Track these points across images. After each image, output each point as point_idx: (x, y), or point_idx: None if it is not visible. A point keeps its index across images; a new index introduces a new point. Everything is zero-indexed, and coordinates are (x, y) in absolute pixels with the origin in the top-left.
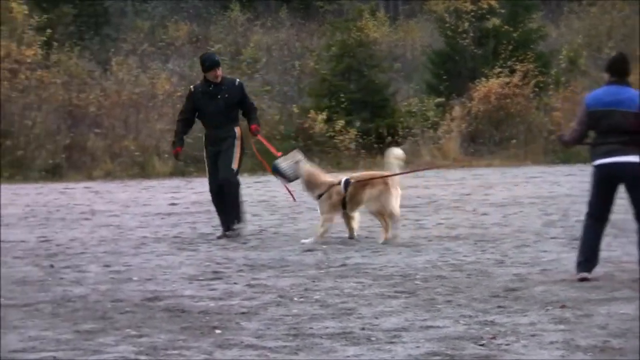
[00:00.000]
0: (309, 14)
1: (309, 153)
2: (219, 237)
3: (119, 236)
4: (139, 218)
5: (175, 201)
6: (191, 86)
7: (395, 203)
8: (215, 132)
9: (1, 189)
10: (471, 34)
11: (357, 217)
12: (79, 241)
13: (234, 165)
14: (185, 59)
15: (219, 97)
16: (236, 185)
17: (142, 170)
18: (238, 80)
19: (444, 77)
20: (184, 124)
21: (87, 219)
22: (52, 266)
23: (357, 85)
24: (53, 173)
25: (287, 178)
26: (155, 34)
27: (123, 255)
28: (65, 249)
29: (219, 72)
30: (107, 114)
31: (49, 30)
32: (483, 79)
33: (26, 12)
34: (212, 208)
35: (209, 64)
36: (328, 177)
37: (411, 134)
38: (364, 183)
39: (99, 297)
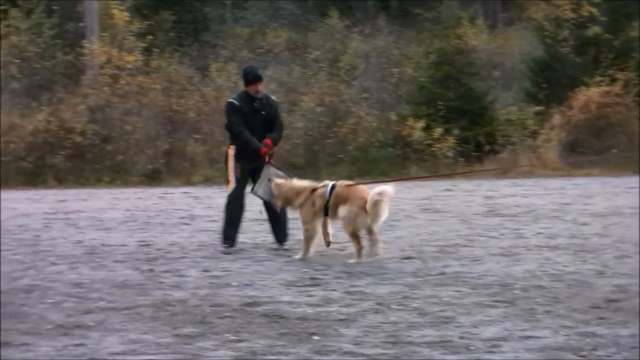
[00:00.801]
0: (408, 21)
1: (406, 161)
2: (225, 252)
3: (217, 241)
4: None
5: None
6: (231, 100)
7: (369, 223)
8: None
9: (88, 193)
10: (571, 42)
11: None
12: (179, 246)
13: None
14: (283, 65)
15: (262, 112)
16: None
17: None
18: (273, 97)
19: (543, 85)
20: (248, 132)
21: (186, 223)
22: (152, 270)
23: (455, 93)
24: (152, 178)
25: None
26: (254, 40)
27: (222, 260)
28: (164, 254)
29: (260, 87)
30: (206, 119)
31: (149, 37)
32: (583, 87)
33: (127, 18)
34: None
35: (252, 77)
36: (306, 183)
37: (510, 143)
38: (345, 196)
39: (199, 302)
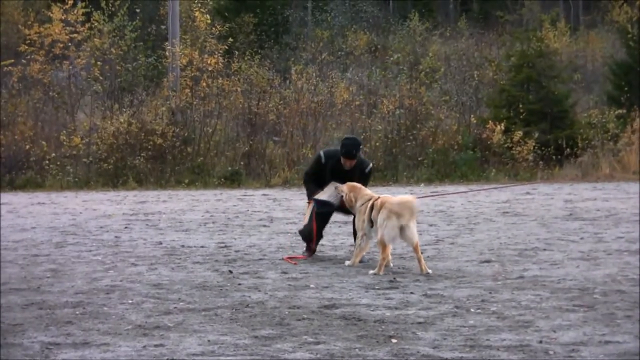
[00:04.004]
0: (489, 24)
1: (485, 164)
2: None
3: (296, 243)
4: None
5: None
6: (322, 153)
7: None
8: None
9: (168, 195)
10: None
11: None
12: (257, 248)
13: None
14: (364, 68)
15: (348, 176)
16: None
17: None
18: (370, 166)
19: (626, 88)
20: (316, 184)
21: (265, 225)
22: (230, 272)
23: (536, 96)
24: (232, 180)
25: (332, 205)
26: (334, 43)
27: (300, 262)
28: (243, 255)
29: (350, 163)
30: (286, 122)
31: (230, 39)
32: None
33: (209, 21)
34: None
35: (344, 152)
36: (370, 192)
37: (590, 146)
38: (380, 205)
39: (277, 304)
